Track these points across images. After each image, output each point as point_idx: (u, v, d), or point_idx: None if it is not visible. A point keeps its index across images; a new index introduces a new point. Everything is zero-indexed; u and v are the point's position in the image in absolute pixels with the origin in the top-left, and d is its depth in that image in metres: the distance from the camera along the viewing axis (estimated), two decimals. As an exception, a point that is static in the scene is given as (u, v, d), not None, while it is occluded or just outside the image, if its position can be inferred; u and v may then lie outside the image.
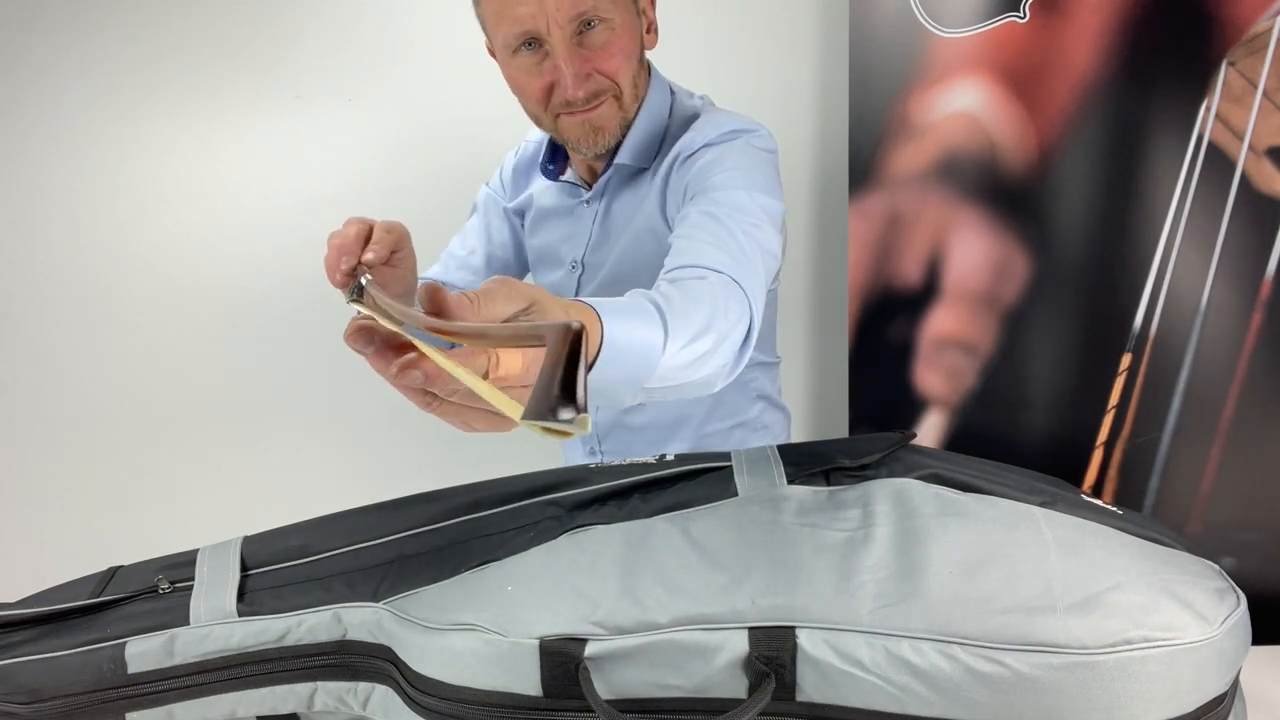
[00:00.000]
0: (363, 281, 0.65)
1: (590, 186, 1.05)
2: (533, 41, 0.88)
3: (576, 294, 1.07)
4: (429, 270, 1.17)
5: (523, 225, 1.16)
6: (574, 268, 1.07)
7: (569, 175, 1.08)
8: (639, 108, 0.98)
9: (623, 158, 0.98)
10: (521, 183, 1.15)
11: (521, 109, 0.98)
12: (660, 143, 0.99)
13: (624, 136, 0.98)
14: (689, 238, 0.79)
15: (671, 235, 0.83)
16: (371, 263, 0.72)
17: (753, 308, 0.73)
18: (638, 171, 1.00)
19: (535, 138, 1.13)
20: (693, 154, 0.93)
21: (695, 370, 0.65)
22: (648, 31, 0.98)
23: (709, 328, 0.65)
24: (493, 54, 0.96)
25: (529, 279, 1.18)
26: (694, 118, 0.98)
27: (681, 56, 1.13)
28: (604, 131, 0.95)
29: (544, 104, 0.93)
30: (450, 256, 1.18)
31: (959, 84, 1.32)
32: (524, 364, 0.44)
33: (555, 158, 1.07)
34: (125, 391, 1.73)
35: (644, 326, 0.59)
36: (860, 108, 1.37)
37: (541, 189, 1.11)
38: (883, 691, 0.60)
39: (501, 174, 1.17)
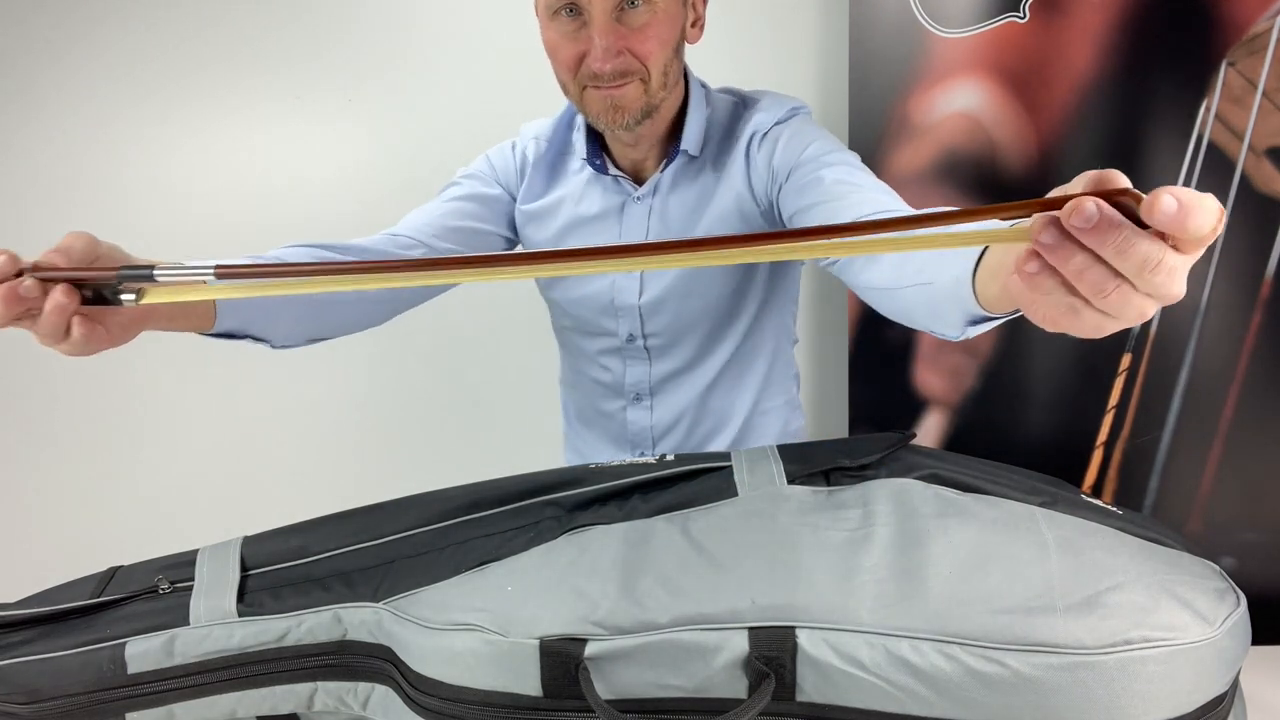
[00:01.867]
0: (156, 275, 0.57)
1: (637, 183, 1.03)
2: (574, 8, 0.88)
3: (641, 293, 1.04)
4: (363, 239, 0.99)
5: (514, 228, 1.10)
6: None
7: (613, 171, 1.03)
8: (674, 99, 0.98)
9: (687, 145, 0.99)
10: (539, 185, 1.08)
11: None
12: (706, 131, 1.01)
13: (645, 119, 0.95)
14: (853, 186, 0.83)
15: (810, 199, 0.87)
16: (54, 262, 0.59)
17: None
18: (690, 161, 1.01)
19: (545, 135, 1.08)
20: (767, 132, 0.97)
21: None
22: (693, 25, 0.98)
23: None
24: (538, 14, 0.95)
25: (557, 285, 1.10)
26: (739, 103, 1.02)
27: (681, 56, 1.13)
28: (625, 112, 0.93)
29: (573, 72, 0.92)
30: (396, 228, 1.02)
31: (959, 84, 1.32)
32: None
33: (598, 151, 1.03)
34: (125, 391, 1.73)
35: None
36: (860, 108, 1.37)
37: (578, 194, 1.05)
38: (883, 691, 0.60)
39: (499, 170, 1.10)
